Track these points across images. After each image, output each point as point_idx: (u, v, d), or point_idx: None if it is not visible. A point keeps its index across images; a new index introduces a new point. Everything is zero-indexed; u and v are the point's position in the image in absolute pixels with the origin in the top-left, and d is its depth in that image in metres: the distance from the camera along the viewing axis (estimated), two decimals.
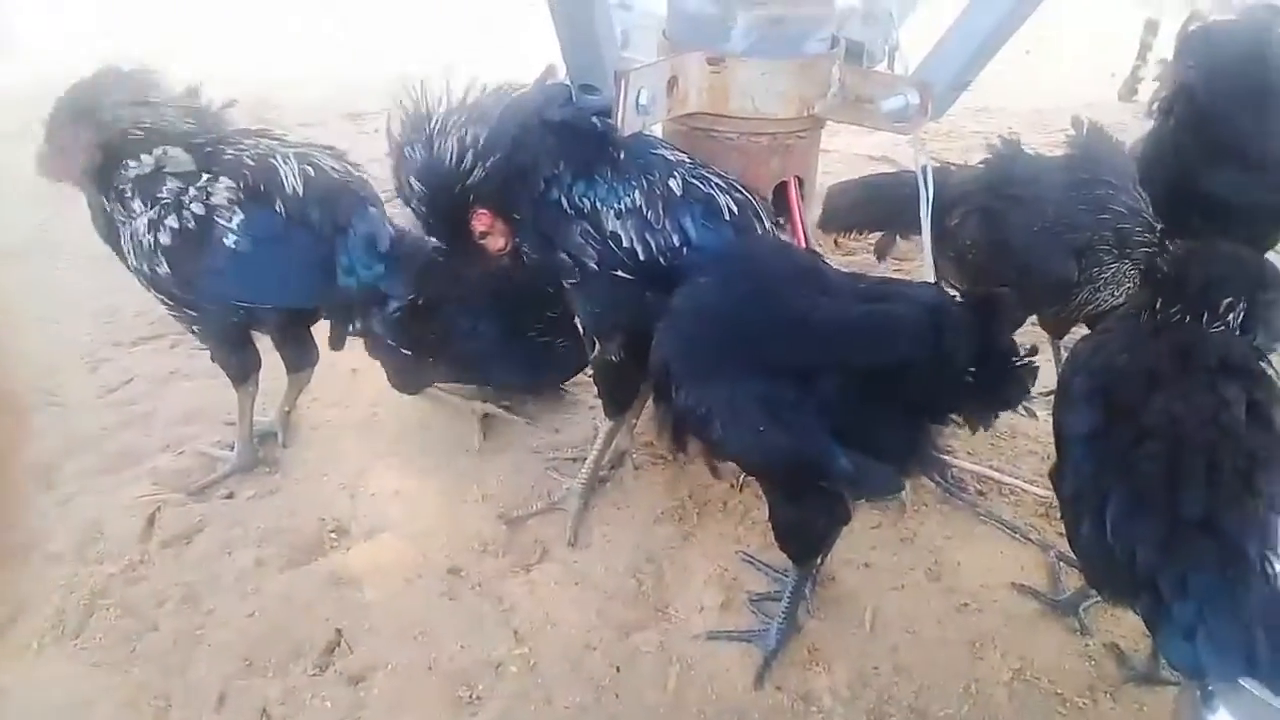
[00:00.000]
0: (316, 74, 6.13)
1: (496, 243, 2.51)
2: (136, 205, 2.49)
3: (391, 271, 2.61)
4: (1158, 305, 2.10)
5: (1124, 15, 7.52)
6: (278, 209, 2.51)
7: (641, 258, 2.38)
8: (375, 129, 5.34)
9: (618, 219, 2.38)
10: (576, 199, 2.38)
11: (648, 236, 2.39)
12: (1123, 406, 1.96)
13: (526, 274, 2.88)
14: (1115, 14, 7.61)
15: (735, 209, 2.48)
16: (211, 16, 7.10)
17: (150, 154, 2.48)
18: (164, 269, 2.52)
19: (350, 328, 3.00)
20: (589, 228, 2.38)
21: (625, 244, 2.38)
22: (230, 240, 2.47)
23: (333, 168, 2.61)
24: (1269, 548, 1.73)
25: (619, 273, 2.40)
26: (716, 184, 2.49)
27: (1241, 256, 2.09)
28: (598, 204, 2.38)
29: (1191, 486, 1.79)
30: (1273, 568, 1.72)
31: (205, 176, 2.49)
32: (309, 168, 2.55)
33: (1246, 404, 1.89)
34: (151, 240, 2.49)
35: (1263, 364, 2.01)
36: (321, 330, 2.91)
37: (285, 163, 2.54)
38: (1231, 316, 2.02)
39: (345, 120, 5.57)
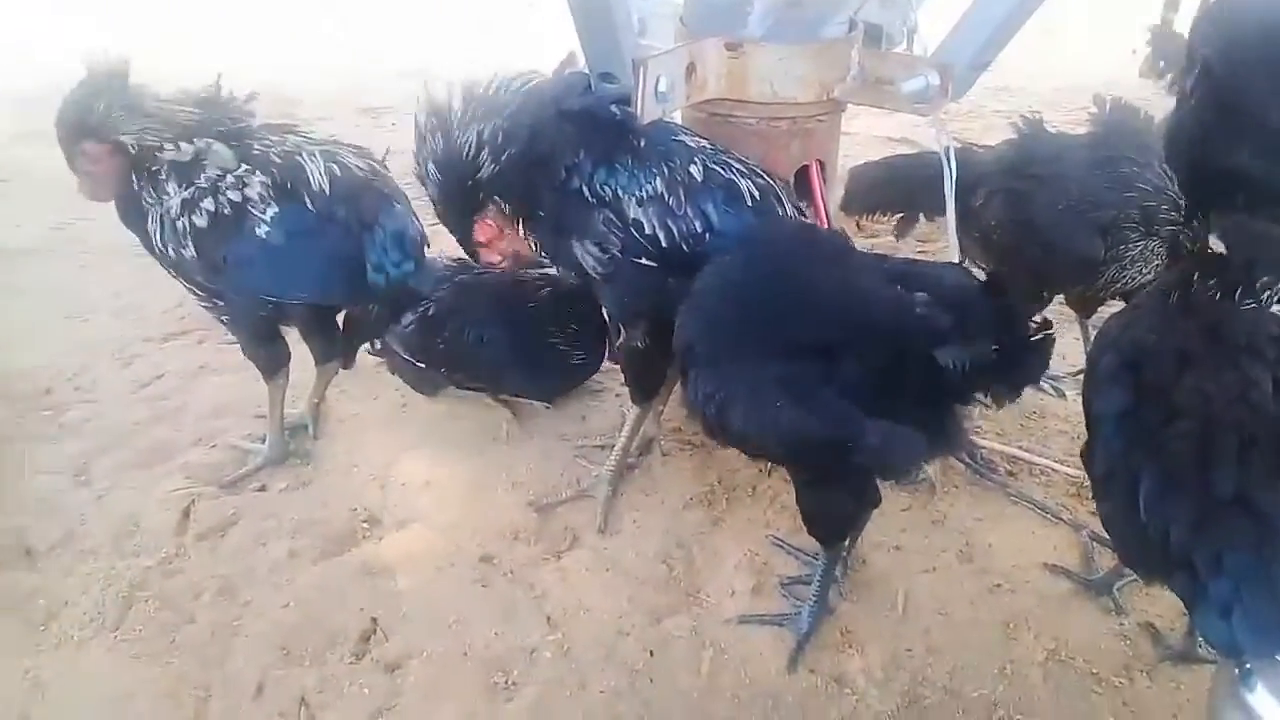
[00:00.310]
0: (327, 70, 6.14)
1: (491, 255, 2.53)
2: (170, 187, 2.50)
3: (420, 268, 2.63)
4: (1188, 281, 2.08)
5: None
6: (306, 206, 2.52)
7: (664, 244, 2.39)
8: (393, 123, 5.40)
9: (640, 206, 2.38)
10: (598, 187, 2.39)
11: (670, 223, 2.39)
12: (1152, 385, 1.94)
13: (537, 281, 2.93)
14: None
15: (757, 194, 2.48)
16: (215, 15, 7.12)
17: (191, 143, 2.49)
18: (190, 253, 2.52)
19: (369, 347, 3.12)
20: (612, 215, 2.39)
21: (648, 231, 2.38)
22: (262, 231, 2.48)
23: (358, 165, 2.61)
24: None
25: (642, 260, 2.41)
26: (738, 169, 2.49)
27: (1276, 232, 2.06)
28: (619, 191, 2.39)
29: (1223, 465, 1.77)
30: None
31: (243, 167, 2.50)
32: (335, 165, 2.56)
33: (1275, 381, 1.87)
34: (185, 223, 2.49)
35: None
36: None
37: (311, 160, 2.55)
38: (1267, 295, 2.00)
39: (362, 115, 5.58)
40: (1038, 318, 2.10)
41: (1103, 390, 2.05)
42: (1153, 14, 6.24)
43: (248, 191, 2.48)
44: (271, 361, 2.82)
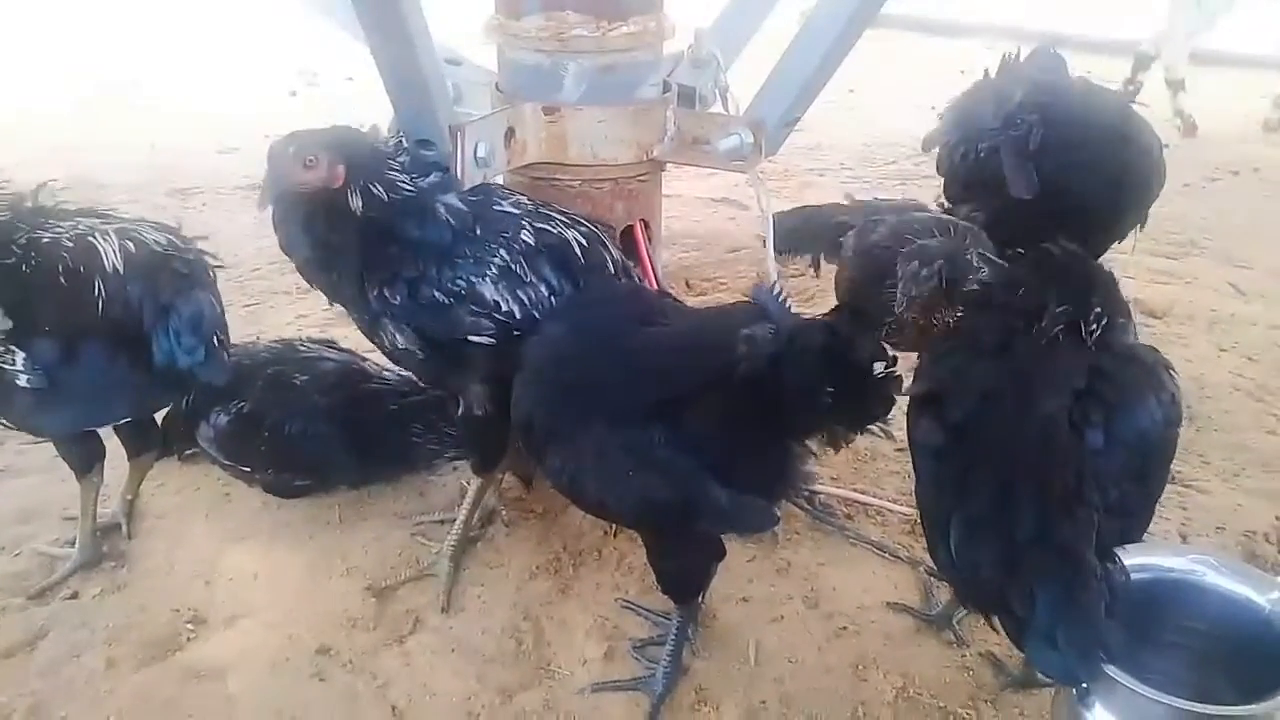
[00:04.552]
0: (134, 153, 5.88)
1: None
2: None
3: (212, 356, 2.47)
4: (992, 317, 2.15)
5: (938, 49, 7.94)
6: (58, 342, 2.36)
7: (519, 316, 2.38)
8: (203, 204, 5.22)
9: (494, 286, 2.36)
10: (450, 286, 2.35)
11: (520, 294, 2.38)
12: (959, 425, 2.00)
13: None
14: (930, 48, 8.02)
15: (584, 241, 2.49)
16: (23, 99, 6.79)
17: None
18: None
19: (178, 454, 3.01)
20: (475, 307, 2.36)
21: (505, 309, 2.37)
22: (24, 381, 2.34)
23: (156, 240, 2.47)
24: (1100, 548, 1.80)
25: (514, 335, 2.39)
26: (562, 221, 2.50)
27: (1070, 265, 2.13)
28: (474, 281, 2.36)
29: (1023, 506, 1.83)
30: (1107, 564, 1.79)
31: None
32: (130, 242, 2.41)
33: (1072, 416, 1.94)
34: None
35: (1098, 371, 2.05)
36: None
37: (105, 240, 2.39)
38: (1064, 326, 2.07)
39: (171, 196, 5.35)
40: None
41: (916, 428, 2.11)
42: (945, 72, 6.63)
43: None
44: (84, 458, 2.63)
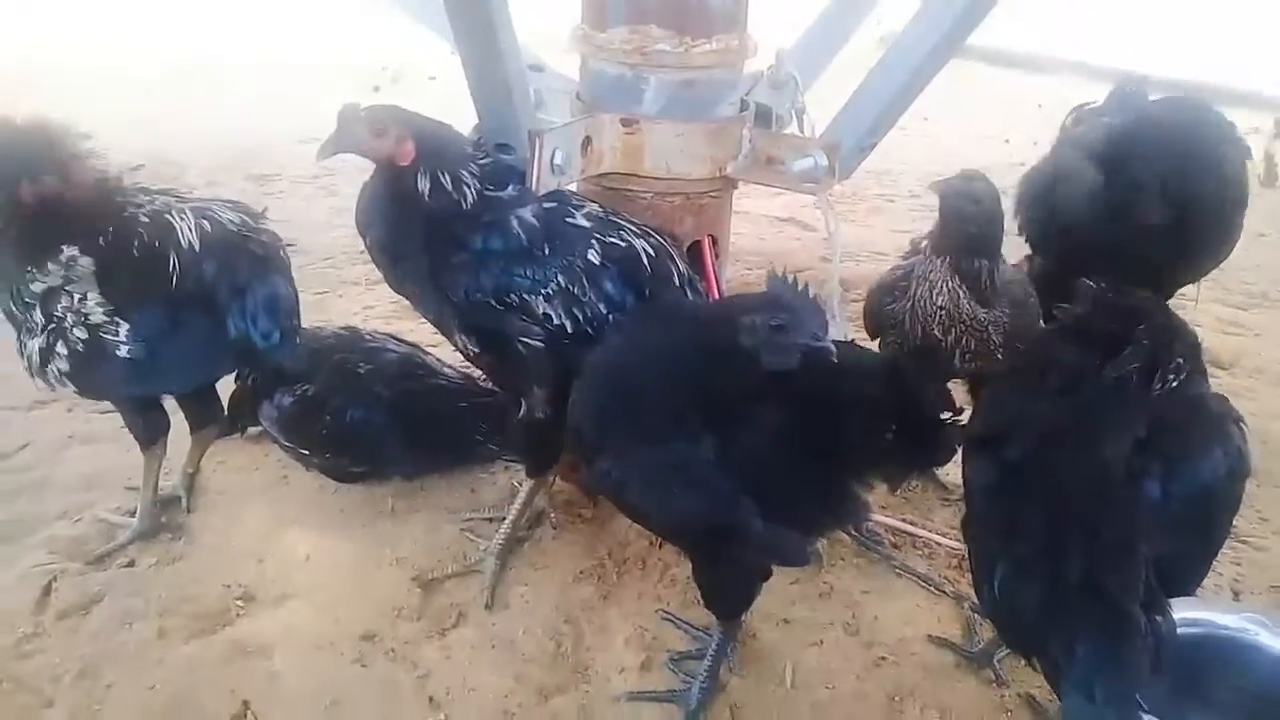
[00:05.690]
0: (215, 136, 6.01)
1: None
2: (38, 317, 2.42)
3: (288, 339, 2.54)
4: (1053, 356, 2.13)
5: (1016, 83, 7.87)
6: (161, 297, 2.42)
7: (571, 330, 2.42)
8: (281, 190, 5.32)
9: (547, 302, 2.40)
10: (506, 299, 2.41)
11: (575, 311, 2.42)
12: (1013, 463, 1.98)
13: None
14: (1008, 82, 7.95)
15: (653, 252, 2.52)
16: (102, 79, 6.96)
17: (59, 260, 2.38)
18: (68, 384, 2.50)
19: (240, 431, 3.07)
20: (525, 317, 2.41)
21: (556, 322, 2.41)
22: (124, 351, 2.41)
23: (231, 220, 2.52)
24: (1148, 600, 1.78)
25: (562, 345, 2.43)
26: (632, 231, 2.53)
27: (1136, 306, 2.09)
28: (528, 299, 2.41)
29: (1072, 552, 1.82)
30: (1154, 614, 1.77)
31: (76, 297, 2.39)
32: (206, 221, 2.46)
33: (1130, 465, 1.93)
34: (53, 369, 2.46)
35: (1160, 421, 2.02)
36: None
37: (181, 217, 2.45)
38: (1128, 368, 2.04)
39: (250, 181, 5.47)
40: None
41: (970, 465, 2.10)
42: (1022, 105, 6.57)
43: (92, 319, 2.39)
44: (150, 429, 2.70)
